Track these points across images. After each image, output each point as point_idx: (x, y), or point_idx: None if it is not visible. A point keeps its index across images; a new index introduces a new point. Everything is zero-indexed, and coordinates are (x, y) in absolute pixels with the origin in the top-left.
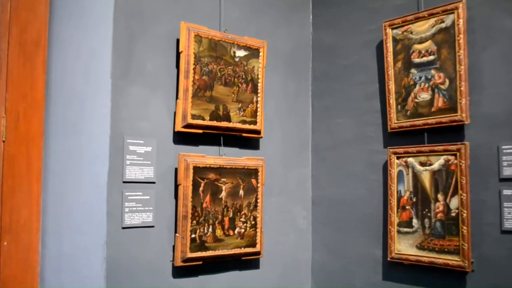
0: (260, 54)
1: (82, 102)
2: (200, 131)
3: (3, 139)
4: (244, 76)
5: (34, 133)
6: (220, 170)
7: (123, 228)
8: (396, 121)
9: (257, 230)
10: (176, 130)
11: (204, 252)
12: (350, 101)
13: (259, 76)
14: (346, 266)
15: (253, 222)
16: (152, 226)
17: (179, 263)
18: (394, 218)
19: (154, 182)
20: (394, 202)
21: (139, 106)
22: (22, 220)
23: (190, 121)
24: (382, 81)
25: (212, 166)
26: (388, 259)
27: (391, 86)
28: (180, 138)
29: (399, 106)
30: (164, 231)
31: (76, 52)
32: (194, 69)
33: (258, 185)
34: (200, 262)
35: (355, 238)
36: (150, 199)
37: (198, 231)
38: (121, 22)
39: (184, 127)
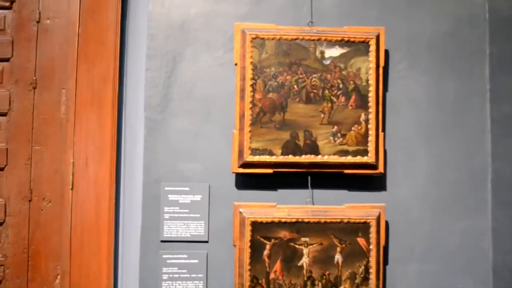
0: (371, 48)
1: (133, 143)
2: (270, 170)
3: (71, 186)
4: (341, 85)
5: (103, 178)
6: (299, 226)
7: None
8: None
9: None
10: (232, 172)
11: None
12: None
13: (370, 81)
14: None
15: None
16: None
17: None
18: None
19: (206, 241)
20: None
21: (184, 142)
22: (91, 276)
23: (249, 158)
24: None
25: (284, 220)
26: None
27: None
28: (245, 181)
29: None
30: None
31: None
32: (252, 85)
33: (371, 246)
34: None
35: None
36: (200, 263)
37: None
38: (157, 37)
39: (242, 166)
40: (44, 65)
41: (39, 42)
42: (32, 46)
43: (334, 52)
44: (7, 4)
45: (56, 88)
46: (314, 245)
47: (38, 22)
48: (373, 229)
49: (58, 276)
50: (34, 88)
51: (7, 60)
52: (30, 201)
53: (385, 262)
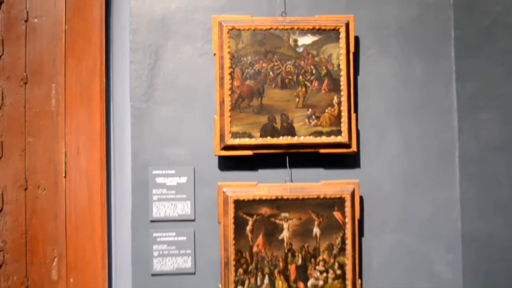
0: (341, 35)
1: (121, 131)
2: (250, 152)
3: (64, 175)
4: (314, 71)
5: (94, 166)
6: (279, 203)
7: (153, 275)
8: None
9: (347, 281)
10: (215, 155)
11: None
12: (496, 82)
13: (341, 66)
14: None
15: (339, 271)
16: (192, 273)
17: None
18: None
19: (193, 220)
20: None
21: (168, 129)
22: (86, 257)
23: (230, 141)
24: None
25: (264, 198)
26: None
27: None
28: (227, 163)
29: None
30: (210, 280)
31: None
32: (231, 73)
33: (346, 220)
34: None
35: None
36: (188, 240)
37: (247, 282)
38: (140, 31)
39: (224, 149)
40: (34, 61)
41: (28, 40)
42: (21, 44)
43: (307, 40)
44: None
45: (46, 83)
46: (293, 220)
47: (26, 21)
48: (348, 204)
49: (55, 259)
50: (25, 83)
51: None
52: (26, 189)
53: (361, 234)
